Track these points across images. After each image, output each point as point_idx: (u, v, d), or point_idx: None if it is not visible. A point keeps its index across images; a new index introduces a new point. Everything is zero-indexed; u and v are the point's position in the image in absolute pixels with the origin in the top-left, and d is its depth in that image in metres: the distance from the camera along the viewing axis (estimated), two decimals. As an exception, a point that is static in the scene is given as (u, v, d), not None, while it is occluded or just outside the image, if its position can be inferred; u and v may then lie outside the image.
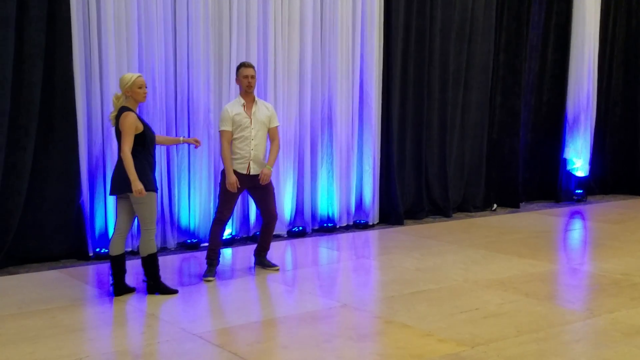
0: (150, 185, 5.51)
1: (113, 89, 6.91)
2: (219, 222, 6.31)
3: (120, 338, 4.79)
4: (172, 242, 7.39)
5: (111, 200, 6.98)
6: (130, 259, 6.18)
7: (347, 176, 8.57)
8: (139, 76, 5.59)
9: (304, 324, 5.07)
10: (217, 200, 6.46)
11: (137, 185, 5.37)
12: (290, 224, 8.11)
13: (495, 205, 10.11)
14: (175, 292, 5.70)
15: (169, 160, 7.32)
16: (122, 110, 5.51)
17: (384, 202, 8.91)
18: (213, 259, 6.25)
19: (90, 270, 6.57)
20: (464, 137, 9.81)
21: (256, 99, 6.34)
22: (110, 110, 6.00)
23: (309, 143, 8.19)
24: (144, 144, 5.52)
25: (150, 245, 5.63)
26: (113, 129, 5.74)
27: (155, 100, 7.16)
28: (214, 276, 6.18)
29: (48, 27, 6.62)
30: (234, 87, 7.32)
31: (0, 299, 5.56)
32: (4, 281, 6.12)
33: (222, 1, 7.48)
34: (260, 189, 6.35)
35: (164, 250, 7.27)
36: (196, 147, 6.33)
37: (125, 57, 6.98)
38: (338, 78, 8.33)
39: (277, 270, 6.50)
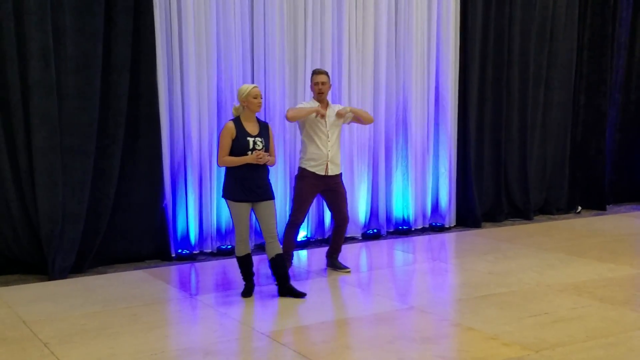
0: (228, 193, 5.74)
1: (193, 98, 7.23)
2: (293, 225, 6.49)
3: (194, 335, 5.02)
4: (249, 244, 7.61)
5: (192, 203, 7.30)
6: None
7: (423, 178, 8.60)
8: (254, 87, 5.74)
9: (369, 325, 5.17)
10: (291, 204, 6.63)
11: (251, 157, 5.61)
12: (365, 226, 8.21)
13: (579, 208, 9.88)
14: (245, 295, 5.84)
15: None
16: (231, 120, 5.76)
17: (461, 205, 8.88)
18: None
19: (172, 271, 6.88)
20: (546, 137, 9.63)
21: (329, 103, 6.51)
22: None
23: (384, 146, 8.27)
24: (232, 153, 5.66)
25: (277, 248, 5.80)
26: None
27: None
28: None
29: (133, 40, 6.95)
30: (309, 93, 7.50)
31: (88, 296, 5.93)
32: (92, 280, 6.51)
33: (297, 9, 7.67)
34: (332, 192, 6.47)
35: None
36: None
37: (205, 68, 7.27)
38: (413, 80, 8.37)
39: (349, 272, 6.61)
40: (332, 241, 6.71)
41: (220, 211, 7.48)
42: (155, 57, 7.05)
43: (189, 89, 7.21)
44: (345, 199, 6.58)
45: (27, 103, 6.47)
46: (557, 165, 9.78)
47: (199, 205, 7.37)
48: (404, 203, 8.50)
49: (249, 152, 5.63)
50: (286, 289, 5.84)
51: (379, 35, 8.14)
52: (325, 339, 4.88)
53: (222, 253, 7.40)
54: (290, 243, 6.47)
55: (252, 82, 7.57)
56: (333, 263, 6.71)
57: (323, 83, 6.40)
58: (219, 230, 7.51)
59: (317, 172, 6.34)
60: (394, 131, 8.36)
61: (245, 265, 5.87)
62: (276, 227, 5.83)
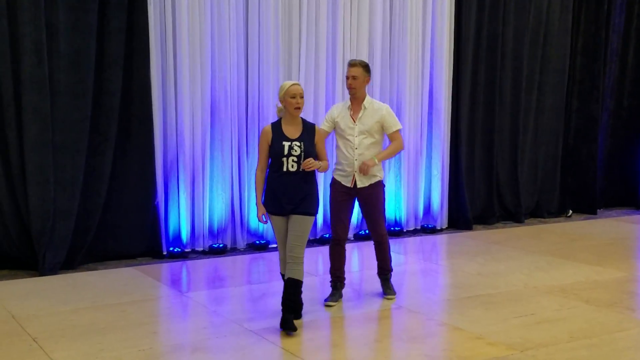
0: (267, 206, 5.05)
1: (186, 97, 7.25)
2: (332, 240, 5.67)
3: (182, 332, 5.04)
4: (241, 243, 7.66)
5: (184, 201, 7.31)
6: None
7: (415, 181, 8.64)
8: (293, 84, 4.95)
9: (358, 324, 5.20)
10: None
11: (258, 211, 5.06)
12: (357, 227, 8.23)
13: (570, 212, 9.92)
14: (284, 327, 4.93)
15: (240, 163, 7.58)
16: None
17: (453, 207, 8.92)
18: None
19: (163, 268, 6.89)
20: (537, 142, 9.68)
21: (366, 103, 5.51)
22: None
23: (377, 148, 8.29)
24: (269, 159, 5.06)
25: (291, 271, 4.96)
26: None
27: (227, 106, 7.46)
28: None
29: (127, 38, 6.97)
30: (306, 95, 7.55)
31: (77, 293, 5.94)
32: (82, 277, 6.52)
33: (292, 10, 7.71)
34: (364, 204, 5.62)
35: (234, 250, 7.56)
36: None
37: (199, 67, 7.29)
38: (407, 83, 8.41)
39: (392, 299, 5.78)
40: (377, 259, 5.88)
41: (212, 210, 7.50)
42: (148, 55, 7.06)
43: (182, 87, 7.23)
44: (379, 212, 5.63)
45: (19, 99, 6.48)
46: (548, 170, 9.83)
47: (191, 204, 7.38)
48: (396, 205, 8.53)
49: (284, 159, 4.92)
50: (282, 319, 4.95)
51: (374, 38, 8.18)
52: (313, 337, 4.91)
53: (214, 251, 7.42)
54: (333, 261, 5.67)
55: (247, 82, 7.58)
56: (382, 284, 5.90)
57: (354, 77, 5.40)
58: (211, 228, 7.52)
59: (343, 183, 5.52)
60: (387, 133, 8.38)
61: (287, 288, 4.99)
62: (301, 249, 4.94)
